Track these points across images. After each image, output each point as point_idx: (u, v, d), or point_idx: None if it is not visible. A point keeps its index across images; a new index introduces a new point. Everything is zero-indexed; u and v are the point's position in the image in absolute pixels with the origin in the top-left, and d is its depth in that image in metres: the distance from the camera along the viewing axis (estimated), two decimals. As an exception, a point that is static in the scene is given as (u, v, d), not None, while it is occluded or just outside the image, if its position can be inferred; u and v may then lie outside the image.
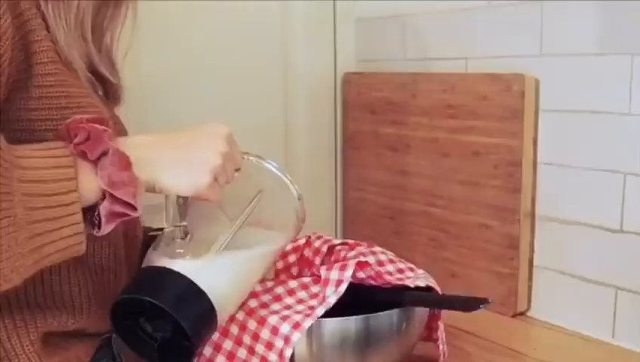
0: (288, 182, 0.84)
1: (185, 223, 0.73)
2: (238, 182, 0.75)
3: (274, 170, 0.83)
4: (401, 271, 0.89)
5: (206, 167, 0.69)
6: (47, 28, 0.69)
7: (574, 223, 1.08)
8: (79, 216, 0.62)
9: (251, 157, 0.80)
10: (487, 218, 1.17)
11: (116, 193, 0.63)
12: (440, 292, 0.91)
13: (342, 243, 0.95)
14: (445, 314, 0.94)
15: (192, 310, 0.68)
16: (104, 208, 0.64)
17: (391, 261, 0.90)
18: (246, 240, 0.77)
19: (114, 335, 0.84)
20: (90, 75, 0.76)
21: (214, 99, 1.28)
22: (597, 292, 1.06)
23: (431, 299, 0.90)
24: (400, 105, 1.32)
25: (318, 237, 0.96)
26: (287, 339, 0.79)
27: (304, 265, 0.97)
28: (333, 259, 0.94)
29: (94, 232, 0.65)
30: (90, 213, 0.64)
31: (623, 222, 1.02)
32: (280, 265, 0.98)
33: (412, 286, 0.88)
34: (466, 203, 1.21)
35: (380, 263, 0.89)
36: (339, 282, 0.85)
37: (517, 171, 1.12)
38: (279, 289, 0.87)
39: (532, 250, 1.15)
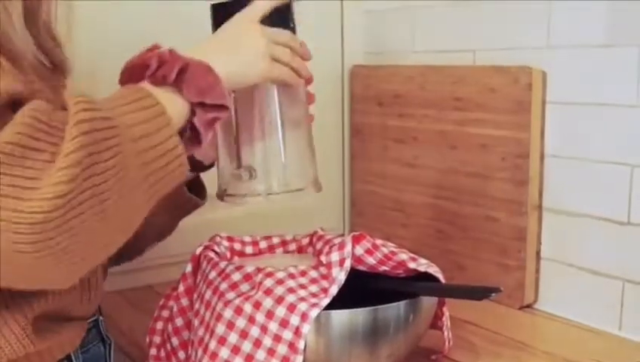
0: None
1: None
2: None
3: None
4: (403, 262, 0.89)
5: (258, 54, 0.73)
6: None
7: (582, 215, 1.08)
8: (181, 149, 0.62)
9: None
10: (494, 210, 1.18)
11: (208, 99, 0.64)
12: (444, 281, 0.91)
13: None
14: (451, 305, 0.94)
15: None
16: (199, 120, 0.64)
17: (392, 253, 0.89)
18: None
19: (100, 317, 0.86)
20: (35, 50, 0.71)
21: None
22: (604, 285, 1.06)
23: (440, 288, 0.90)
24: (407, 98, 1.32)
25: (319, 238, 0.96)
26: (304, 316, 0.79)
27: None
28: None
29: (196, 150, 0.66)
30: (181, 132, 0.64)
31: (630, 214, 1.02)
32: None
33: (422, 270, 0.89)
34: (474, 195, 1.21)
35: (386, 256, 0.89)
36: (342, 261, 0.85)
37: (524, 163, 1.12)
38: (292, 269, 0.86)
39: (539, 242, 1.15)
